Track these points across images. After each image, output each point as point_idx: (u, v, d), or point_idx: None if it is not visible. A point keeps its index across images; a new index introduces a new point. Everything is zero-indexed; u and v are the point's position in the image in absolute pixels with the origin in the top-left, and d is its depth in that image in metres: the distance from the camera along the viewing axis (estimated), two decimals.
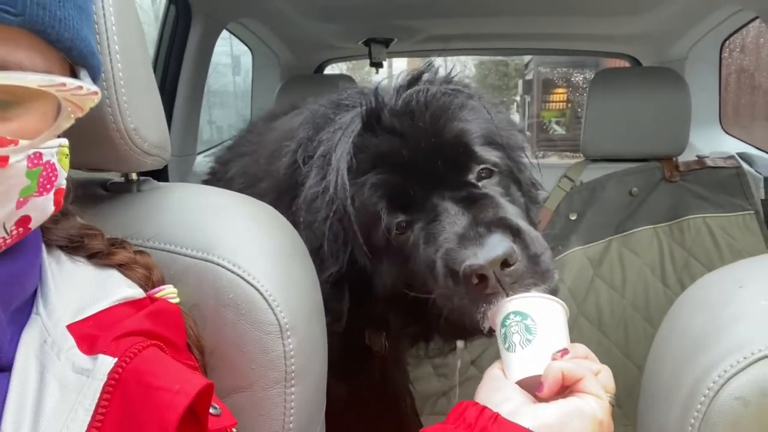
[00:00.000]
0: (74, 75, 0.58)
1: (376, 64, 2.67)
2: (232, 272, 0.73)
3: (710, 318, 0.65)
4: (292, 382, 0.74)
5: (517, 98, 13.53)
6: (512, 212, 0.97)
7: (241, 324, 0.72)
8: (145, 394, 0.55)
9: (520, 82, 13.73)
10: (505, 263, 0.83)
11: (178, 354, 0.65)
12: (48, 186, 0.57)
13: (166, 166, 1.87)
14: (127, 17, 0.73)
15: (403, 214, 0.99)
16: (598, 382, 0.71)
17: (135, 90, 0.74)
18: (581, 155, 2.13)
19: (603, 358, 0.78)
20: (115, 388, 0.55)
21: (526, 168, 1.16)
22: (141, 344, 0.59)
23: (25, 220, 0.57)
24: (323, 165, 1.04)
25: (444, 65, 1.11)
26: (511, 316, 0.77)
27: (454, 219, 0.93)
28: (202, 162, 2.27)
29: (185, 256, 0.75)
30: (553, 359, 0.72)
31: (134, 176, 0.86)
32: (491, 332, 0.84)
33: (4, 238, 0.56)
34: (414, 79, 1.06)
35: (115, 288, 0.65)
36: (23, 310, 0.61)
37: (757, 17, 2.03)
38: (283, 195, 1.11)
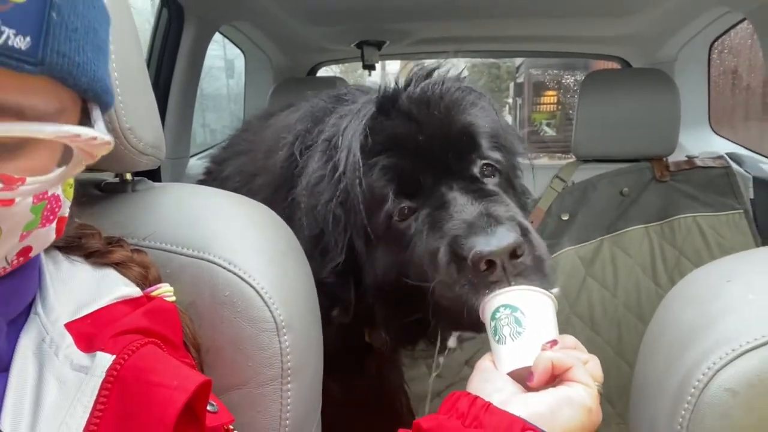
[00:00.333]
0: (86, 110, 0.57)
1: (369, 67, 2.68)
2: (228, 270, 0.74)
3: (699, 312, 0.66)
4: (289, 378, 0.74)
5: (509, 101, 13.59)
6: (519, 213, 0.99)
7: (238, 321, 0.73)
8: (143, 390, 0.55)
9: (512, 85, 13.80)
10: (513, 254, 0.85)
11: (175, 352, 0.66)
12: (51, 217, 0.57)
13: (159, 169, 1.88)
14: (122, 17, 0.74)
15: (409, 200, 1.00)
16: (587, 371, 0.73)
17: (130, 90, 0.74)
18: (572, 156, 2.15)
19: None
20: (113, 384, 0.55)
21: (521, 175, 1.18)
22: (139, 342, 0.59)
23: (26, 250, 0.57)
24: (328, 149, 1.04)
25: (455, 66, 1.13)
26: (501, 309, 0.79)
27: (462, 209, 0.94)
28: (196, 165, 2.27)
29: (181, 254, 0.75)
30: (543, 350, 0.74)
31: (129, 176, 0.87)
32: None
33: (4, 267, 0.56)
34: (428, 73, 1.08)
35: (113, 286, 0.66)
36: (21, 312, 0.61)
37: (744, 19, 2.05)
38: (279, 188, 1.11)
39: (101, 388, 0.55)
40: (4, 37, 0.44)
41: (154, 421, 0.54)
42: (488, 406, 0.68)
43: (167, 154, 0.88)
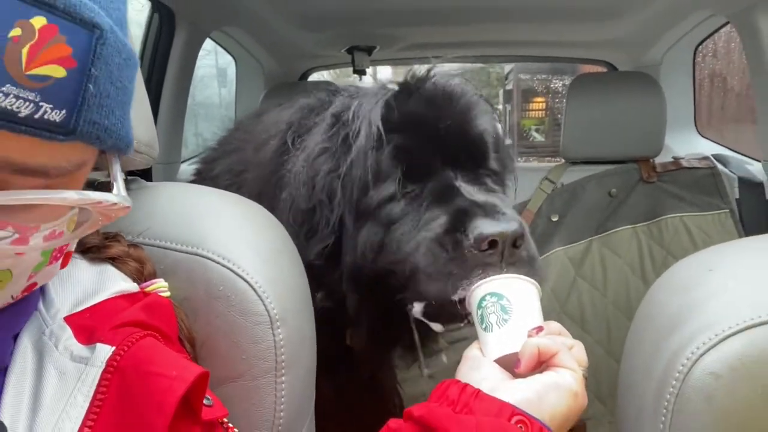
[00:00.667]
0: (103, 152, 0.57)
1: (359, 72, 2.70)
2: (222, 265, 0.74)
3: (682, 300, 0.68)
4: (283, 371, 0.75)
5: (499, 107, 13.69)
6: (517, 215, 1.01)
7: (232, 315, 0.73)
8: (143, 380, 0.56)
9: (501, 92, 13.90)
10: (514, 243, 0.88)
11: (171, 346, 0.67)
12: (58, 255, 0.58)
13: (150, 173, 1.88)
14: None
15: (414, 183, 1.00)
16: (572, 356, 0.75)
17: None
18: (560, 160, 2.17)
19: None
20: (113, 375, 0.56)
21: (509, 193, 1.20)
22: (138, 333, 0.60)
23: (31, 286, 0.57)
24: (335, 124, 1.04)
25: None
26: (488, 298, 0.80)
27: (469, 194, 0.96)
28: (187, 170, 2.27)
29: (175, 250, 0.76)
30: (529, 336, 0.76)
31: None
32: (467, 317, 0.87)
33: (9, 302, 0.56)
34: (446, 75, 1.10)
35: (111, 281, 0.67)
36: None
37: (727, 22, 2.09)
38: (268, 181, 1.10)
39: (101, 378, 0.56)
40: (41, 112, 0.44)
41: (153, 410, 0.55)
42: (478, 393, 0.69)
43: (158, 159, 0.89)
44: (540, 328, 0.77)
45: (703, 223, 1.96)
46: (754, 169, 2.06)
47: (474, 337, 0.83)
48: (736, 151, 2.38)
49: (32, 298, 0.61)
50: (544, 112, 12.62)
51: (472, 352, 0.79)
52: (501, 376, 0.74)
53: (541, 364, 0.74)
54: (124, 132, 0.55)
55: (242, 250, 0.77)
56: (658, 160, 2.06)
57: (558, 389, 0.70)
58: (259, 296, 0.74)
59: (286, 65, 2.89)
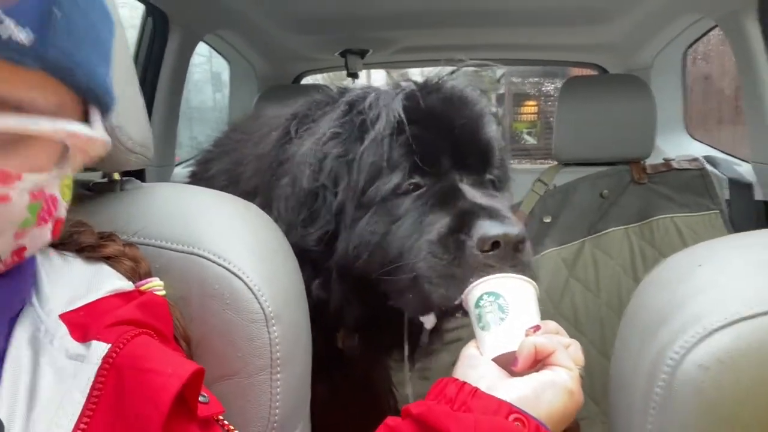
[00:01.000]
0: (87, 112, 0.58)
1: (353, 75, 2.71)
2: (217, 264, 0.75)
3: (671, 295, 0.69)
4: (278, 369, 0.75)
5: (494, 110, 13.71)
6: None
7: (227, 313, 0.74)
8: (138, 377, 0.57)
9: (493, 96, 13.95)
10: (516, 246, 0.89)
11: (166, 344, 0.67)
12: (47, 218, 0.58)
13: (144, 175, 1.88)
14: None
15: (421, 177, 1.01)
16: (568, 355, 0.75)
17: (118, 87, 0.75)
18: (552, 163, 2.19)
19: None
20: (109, 372, 0.57)
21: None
22: (133, 331, 0.60)
23: (20, 250, 0.57)
24: (349, 112, 1.05)
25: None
26: (485, 297, 0.81)
27: (474, 197, 0.97)
28: (181, 173, 2.27)
29: (170, 250, 0.76)
30: (527, 335, 0.76)
31: (117, 176, 0.88)
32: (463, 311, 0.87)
33: None
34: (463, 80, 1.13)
35: (107, 280, 0.67)
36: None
37: (716, 26, 2.12)
38: (267, 168, 1.09)
39: (97, 375, 0.56)
40: (5, 27, 0.45)
41: (149, 406, 0.55)
42: (475, 391, 0.70)
43: (152, 162, 0.89)
44: (537, 327, 0.77)
45: (693, 223, 1.98)
46: (743, 170, 2.09)
47: (469, 338, 0.83)
48: (725, 153, 2.40)
49: (25, 277, 0.61)
50: (536, 115, 12.66)
51: (469, 350, 0.80)
52: (498, 374, 0.74)
53: (538, 362, 0.75)
54: (100, 79, 0.56)
55: (237, 249, 0.77)
56: (649, 161, 2.08)
57: (555, 387, 0.71)
58: (254, 294, 0.74)
59: (279, 68, 2.89)
